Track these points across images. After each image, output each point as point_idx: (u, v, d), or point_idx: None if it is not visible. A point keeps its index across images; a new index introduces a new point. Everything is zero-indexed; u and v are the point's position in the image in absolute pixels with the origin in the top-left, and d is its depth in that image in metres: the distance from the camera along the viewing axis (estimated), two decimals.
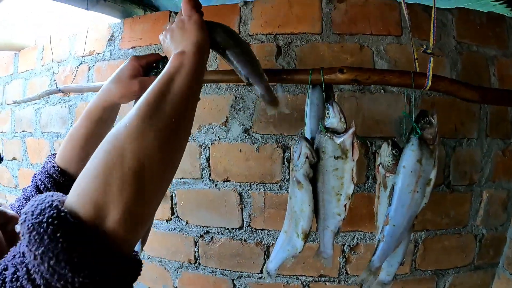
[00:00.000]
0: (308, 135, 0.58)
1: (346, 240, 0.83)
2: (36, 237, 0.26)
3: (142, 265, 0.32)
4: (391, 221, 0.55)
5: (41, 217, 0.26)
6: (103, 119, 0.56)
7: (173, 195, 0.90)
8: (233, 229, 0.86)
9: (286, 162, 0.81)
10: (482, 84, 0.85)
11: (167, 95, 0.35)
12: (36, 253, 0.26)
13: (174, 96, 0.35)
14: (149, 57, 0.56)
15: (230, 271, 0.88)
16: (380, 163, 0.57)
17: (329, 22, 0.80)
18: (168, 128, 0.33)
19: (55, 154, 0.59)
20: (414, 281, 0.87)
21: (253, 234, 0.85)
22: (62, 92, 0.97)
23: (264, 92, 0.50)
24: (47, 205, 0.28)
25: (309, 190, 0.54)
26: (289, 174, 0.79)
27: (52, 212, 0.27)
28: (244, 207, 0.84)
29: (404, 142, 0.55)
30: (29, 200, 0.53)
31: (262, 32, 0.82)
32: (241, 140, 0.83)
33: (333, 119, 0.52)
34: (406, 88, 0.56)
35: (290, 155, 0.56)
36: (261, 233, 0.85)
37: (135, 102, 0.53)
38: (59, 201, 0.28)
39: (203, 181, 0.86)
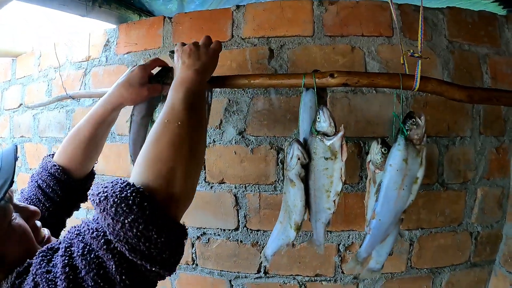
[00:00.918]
0: (301, 136, 0.62)
1: (341, 240, 0.84)
2: (125, 208, 0.31)
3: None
4: (378, 215, 0.57)
5: (125, 193, 0.32)
6: (108, 121, 0.61)
7: None
8: (229, 230, 0.87)
9: (280, 163, 0.82)
10: (475, 83, 0.86)
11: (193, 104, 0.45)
12: (126, 221, 0.31)
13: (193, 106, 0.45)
14: (153, 64, 0.65)
15: (227, 271, 0.89)
16: (370, 160, 0.60)
17: (320, 24, 0.81)
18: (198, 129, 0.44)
19: (52, 154, 0.61)
20: (410, 280, 0.87)
21: (249, 235, 0.86)
22: (72, 98, 0.98)
23: None
24: (124, 184, 0.33)
25: (301, 188, 0.58)
26: (283, 175, 0.81)
27: (133, 188, 0.33)
28: (240, 208, 0.85)
29: (393, 142, 0.57)
30: (31, 200, 0.55)
31: (254, 36, 0.83)
32: (235, 143, 0.84)
33: (324, 124, 0.55)
34: (395, 90, 0.57)
35: (284, 156, 0.58)
36: (257, 234, 0.86)
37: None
38: (129, 182, 0.35)
39: (199, 183, 0.87)
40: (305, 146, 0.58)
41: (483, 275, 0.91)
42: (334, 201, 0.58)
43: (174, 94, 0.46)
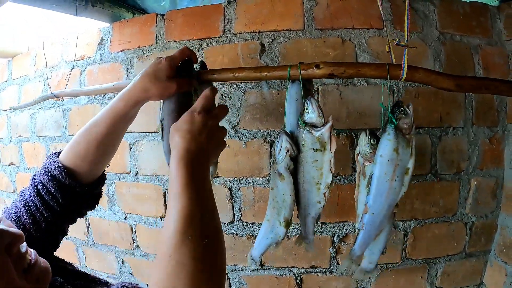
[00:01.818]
0: (288, 129, 0.60)
1: (335, 231, 0.84)
2: None
3: None
4: (370, 209, 0.55)
5: None
6: (128, 117, 0.54)
7: (166, 192, 0.92)
8: (224, 223, 0.88)
9: (272, 157, 0.83)
10: (467, 74, 0.86)
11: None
12: None
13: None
14: (180, 56, 0.55)
15: None
16: (359, 152, 0.59)
17: (311, 18, 0.82)
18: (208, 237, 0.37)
19: (58, 152, 0.53)
20: (405, 270, 0.88)
21: (244, 228, 0.87)
22: (57, 97, 1.00)
23: None
24: None
25: (290, 182, 0.56)
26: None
27: None
28: (235, 201, 0.86)
29: (381, 132, 0.56)
30: (29, 207, 0.49)
31: (246, 31, 0.84)
32: (229, 137, 0.84)
33: (312, 114, 0.54)
34: (382, 80, 0.57)
35: (271, 147, 0.57)
36: (252, 226, 0.87)
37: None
38: None
39: None
40: (293, 139, 0.57)
41: (479, 266, 0.91)
42: (324, 194, 0.57)
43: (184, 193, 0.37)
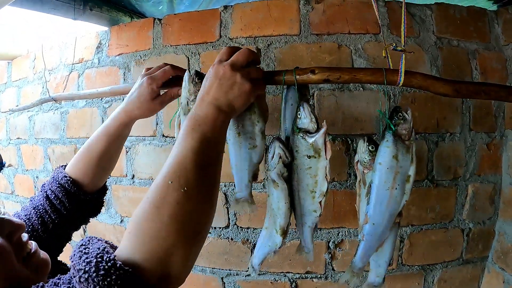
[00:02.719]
0: (283, 135, 0.60)
1: (330, 237, 0.84)
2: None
3: None
4: (370, 219, 0.53)
5: (110, 278, 0.28)
6: (122, 135, 0.59)
7: None
8: (220, 228, 0.88)
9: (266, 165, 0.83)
10: (464, 79, 0.85)
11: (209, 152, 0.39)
12: None
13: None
14: (163, 78, 0.58)
15: (219, 269, 0.89)
16: (358, 160, 0.57)
17: (307, 23, 0.82)
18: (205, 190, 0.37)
19: (65, 165, 0.60)
20: (401, 277, 0.87)
21: (239, 233, 0.87)
22: (55, 100, 1.00)
23: None
24: (110, 263, 0.29)
25: (284, 189, 0.55)
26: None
27: (121, 272, 0.29)
28: (230, 206, 0.86)
29: (380, 139, 0.55)
30: (38, 210, 0.54)
31: (242, 36, 0.84)
32: None
33: (305, 120, 0.53)
34: (379, 85, 0.57)
35: (266, 155, 0.57)
36: (247, 232, 0.86)
37: None
38: (116, 261, 0.30)
39: None
40: (288, 145, 0.56)
41: (476, 272, 0.90)
42: (320, 202, 0.55)
43: (185, 139, 0.38)
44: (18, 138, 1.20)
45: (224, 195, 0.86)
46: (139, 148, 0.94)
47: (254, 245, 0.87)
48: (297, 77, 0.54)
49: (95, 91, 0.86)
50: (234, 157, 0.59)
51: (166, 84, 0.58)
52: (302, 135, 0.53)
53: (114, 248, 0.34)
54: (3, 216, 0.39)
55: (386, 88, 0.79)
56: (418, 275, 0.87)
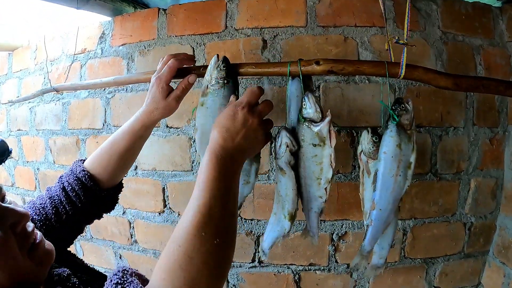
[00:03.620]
0: (289, 125, 0.61)
1: (334, 229, 0.84)
2: None
3: None
4: (377, 205, 0.57)
5: None
6: (143, 136, 0.61)
7: (165, 187, 0.92)
8: None
9: (273, 153, 0.83)
10: (469, 74, 0.86)
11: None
12: None
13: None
14: (169, 75, 0.58)
15: None
16: (362, 150, 0.60)
17: (313, 15, 0.82)
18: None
19: (83, 160, 0.61)
20: (404, 270, 0.88)
21: (243, 224, 0.86)
22: (56, 91, 0.99)
23: None
24: None
25: (291, 176, 0.57)
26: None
27: None
28: None
29: (383, 129, 0.57)
30: (53, 200, 0.55)
31: (248, 26, 0.84)
32: None
33: (310, 110, 0.54)
34: (381, 77, 0.58)
35: (272, 143, 0.58)
36: (251, 223, 0.86)
37: None
38: None
39: (193, 173, 0.88)
40: (294, 134, 0.57)
41: (477, 266, 0.91)
42: (325, 188, 0.58)
43: (213, 186, 0.40)
44: (18, 130, 1.19)
45: None
46: None
47: (258, 237, 0.87)
48: (302, 68, 0.55)
49: (99, 81, 0.85)
50: None
51: (176, 77, 0.59)
52: (307, 124, 0.56)
53: (146, 282, 0.36)
54: (6, 205, 0.37)
55: (391, 81, 0.80)
56: (420, 268, 0.88)
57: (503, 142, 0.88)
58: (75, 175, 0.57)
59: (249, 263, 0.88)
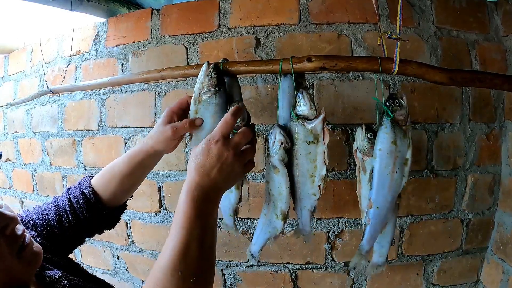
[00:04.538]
0: (281, 122, 0.60)
1: (330, 227, 0.84)
2: None
3: None
4: (374, 203, 0.56)
5: None
6: (143, 164, 0.59)
7: (161, 187, 0.92)
8: (219, 218, 0.86)
9: (267, 151, 0.82)
10: (464, 69, 0.85)
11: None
12: None
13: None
14: (178, 105, 0.58)
15: (219, 260, 0.89)
16: (357, 148, 0.59)
17: (306, 12, 0.81)
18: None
19: (92, 176, 0.62)
20: (401, 267, 0.87)
21: (239, 223, 0.86)
22: (53, 93, 1.00)
23: None
24: None
25: (285, 174, 0.57)
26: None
27: None
28: None
29: (378, 126, 0.56)
30: (58, 208, 0.57)
31: (241, 25, 0.84)
32: None
33: (304, 107, 0.54)
34: (374, 73, 0.57)
35: (266, 142, 0.57)
36: (247, 222, 0.86)
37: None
38: None
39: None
40: (287, 132, 0.57)
41: (475, 263, 0.90)
42: (319, 186, 0.57)
43: (190, 225, 0.40)
44: (15, 132, 1.19)
45: None
46: (137, 140, 0.94)
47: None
48: (294, 65, 0.55)
49: (94, 82, 0.85)
50: None
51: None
52: (301, 122, 0.55)
53: None
54: None
55: (385, 78, 0.79)
56: (418, 266, 0.87)
57: (500, 138, 0.87)
58: (81, 190, 0.59)
59: (246, 262, 0.88)
